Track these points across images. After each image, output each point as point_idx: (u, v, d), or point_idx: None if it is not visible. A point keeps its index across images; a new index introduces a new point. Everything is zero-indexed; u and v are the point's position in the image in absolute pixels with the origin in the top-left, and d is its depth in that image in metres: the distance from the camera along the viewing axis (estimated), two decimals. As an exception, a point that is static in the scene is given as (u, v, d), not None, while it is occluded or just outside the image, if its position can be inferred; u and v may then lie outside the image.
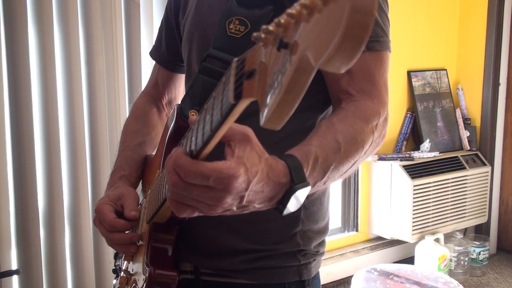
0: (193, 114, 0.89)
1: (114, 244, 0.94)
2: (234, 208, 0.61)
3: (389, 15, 0.93)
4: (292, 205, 0.64)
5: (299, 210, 0.95)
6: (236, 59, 0.49)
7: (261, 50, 0.43)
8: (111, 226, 0.91)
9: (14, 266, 2.03)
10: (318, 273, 1.01)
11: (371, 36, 0.85)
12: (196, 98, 0.90)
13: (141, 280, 0.92)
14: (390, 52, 0.90)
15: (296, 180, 0.63)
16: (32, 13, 1.98)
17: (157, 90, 1.22)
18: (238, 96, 0.46)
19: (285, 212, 0.64)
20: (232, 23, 0.89)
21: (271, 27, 0.40)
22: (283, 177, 0.62)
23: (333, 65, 0.35)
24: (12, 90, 1.96)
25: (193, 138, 0.59)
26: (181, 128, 0.91)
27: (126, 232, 0.95)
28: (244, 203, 0.60)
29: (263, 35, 0.41)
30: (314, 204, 0.98)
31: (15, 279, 2.03)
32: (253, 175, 0.58)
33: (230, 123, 0.51)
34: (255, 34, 0.42)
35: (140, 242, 0.99)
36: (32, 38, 1.99)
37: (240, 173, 0.56)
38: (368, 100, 0.84)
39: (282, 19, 0.39)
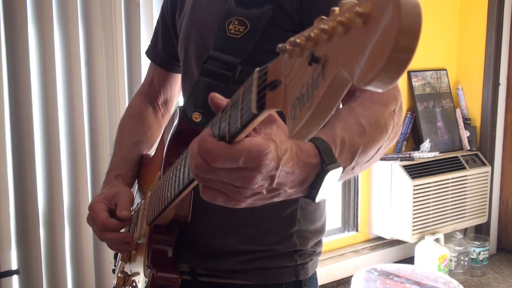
0: (196, 117, 0.88)
1: (107, 243, 0.94)
2: (264, 192, 0.56)
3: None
4: (325, 190, 0.60)
5: (295, 211, 0.95)
6: (258, 69, 0.48)
7: (286, 62, 0.42)
8: (103, 226, 0.91)
9: (14, 266, 2.04)
10: (315, 273, 1.01)
11: None
12: (199, 100, 0.90)
13: (142, 282, 0.92)
14: None
15: (327, 161, 0.60)
16: (32, 13, 1.99)
17: (152, 89, 1.22)
18: (261, 107, 0.45)
19: (318, 198, 0.60)
20: (231, 24, 0.88)
21: (298, 40, 0.39)
22: (313, 158, 0.59)
23: (373, 86, 0.34)
24: (12, 90, 1.96)
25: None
26: (184, 131, 0.91)
27: (122, 231, 0.95)
28: (274, 185, 0.56)
29: (288, 47, 0.40)
30: (310, 204, 0.98)
31: (15, 279, 2.03)
32: (283, 153, 0.54)
33: (249, 131, 0.50)
34: (280, 45, 0.41)
35: (138, 242, 0.98)
36: (32, 38, 1.99)
37: (270, 149, 0.52)
38: None
39: (313, 32, 0.38)
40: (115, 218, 0.93)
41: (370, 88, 0.35)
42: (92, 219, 0.94)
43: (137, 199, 1.10)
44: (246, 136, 0.52)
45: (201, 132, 0.55)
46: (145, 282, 0.90)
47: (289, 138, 0.44)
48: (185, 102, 0.93)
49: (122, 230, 0.96)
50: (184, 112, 0.92)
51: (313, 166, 0.59)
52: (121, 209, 0.93)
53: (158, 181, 0.93)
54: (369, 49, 0.34)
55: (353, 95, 0.83)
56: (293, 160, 0.56)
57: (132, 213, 1.10)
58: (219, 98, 0.57)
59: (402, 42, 0.33)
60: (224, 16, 0.90)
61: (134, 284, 0.97)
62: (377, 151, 0.74)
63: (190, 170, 0.56)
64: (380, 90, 0.35)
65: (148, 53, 1.22)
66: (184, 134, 0.90)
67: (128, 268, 1.03)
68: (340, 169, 0.61)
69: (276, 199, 0.59)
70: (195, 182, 0.69)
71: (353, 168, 0.70)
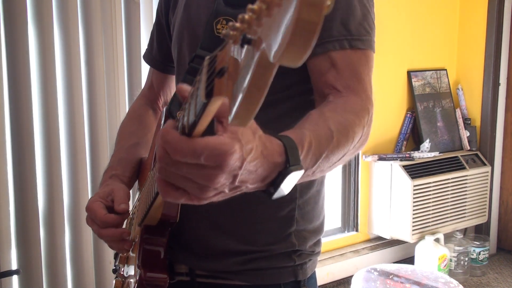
0: None
1: (107, 241, 0.94)
2: (226, 190, 0.56)
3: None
4: (283, 188, 0.60)
5: (293, 210, 0.95)
6: (208, 57, 0.48)
7: (231, 47, 0.43)
8: (103, 222, 0.91)
9: (14, 266, 2.04)
10: (314, 273, 1.01)
11: (354, 34, 0.85)
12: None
13: (133, 282, 0.92)
14: (373, 52, 0.89)
15: (291, 162, 0.59)
16: (32, 13, 1.99)
17: (152, 92, 1.22)
18: (209, 95, 0.45)
19: (276, 195, 0.60)
20: (219, 23, 0.89)
21: (237, 24, 0.39)
22: (278, 157, 0.59)
23: (286, 60, 0.35)
24: (12, 90, 1.96)
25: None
26: None
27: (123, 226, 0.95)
28: (237, 183, 0.55)
29: (231, 32, 0.40)
30: (308, 203, 0.98)
31: (15, 279, 2.03)
32: (248, 153, 0.53)
33: (206, 123, 0.50)
34: (224, 31, 0.42)
35: (133, 244, 0.99)
36: (32, 38, 1.99)
37: (235, 149, 0.51)
38: (355, 96, 0.83)
39: (246, 15, 0.38)
40: (114, 213, 0.93)
41: (283, 63, 0.36)
42: (91, 219, 0.94)
43: (135, 202, 1.11)
44: (212, 134, 0.51)
45: (165, 124, 0.55)
46: (134, 282, 0.90)
47: (230, 124, 0.44)
48: (171, 101, 0.93)
49: (123, 226, 0.96)
50: (169, 111, 0.92)
51: (276, 164, 0.59)
52: (119, 203, 0.93)
53: (147, 180, 0.94)
54: (282, 25, 0.34)
55: (326, 98, 0.84)
56: (257, 159, 0.55)
57: (130, 214, 1.10)
58: (185, 89, 0.56)
59: (305, 16, 0.33)
60: (212, 15, 0.91)
61: (128, 286, 0.97)
62: (341, 158, 0.74)
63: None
64: (292, 66, 0.36)
65: (145, 57, 1.23)
66: None
67: (125, 271, 1.04)
68: (302, 171, 0.61)
69: (237, 193, 0.59)
70: None
71: (313, 172, 0.70)
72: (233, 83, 0.42)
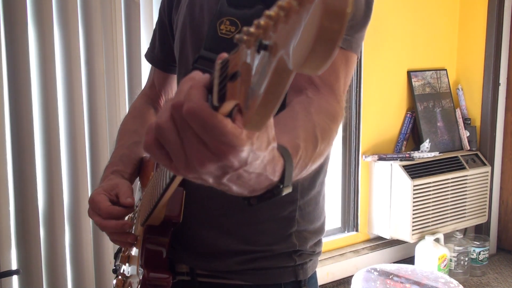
0: None
1: (110, 233, 0.93)
2: (210, 180, 0.50)
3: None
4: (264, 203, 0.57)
5: (294, 211, 0.95)
6: (220, 60, 0.47)
7: (244, 52, 0.42)
8: (107, 213, 0.90)
9: (14, 266, 2.04)
10: (315, 273, 1.01)
11: None
12: None
13: (135, 282, 0.92)
14: (355, 54, 0.87)
15: (285, 183, 0.56)
16: (32, 13, 1.99)
17: (154, 91, 1.22)
18: (221, 99, 0.44)
19: (252, 206, 0.57)
20: (223, 24, 0.89)
21: (252, 29, 0.39)
22: (276, 176, 0.55)
23: (307, 66, 0.35)
24: (12, 90, 1.96)
25: None
26: None
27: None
28: (223, 180, 0.50)
29: (245, 37, 0.40)
30: (309, 204, 0.98)
31: (15, 279, 2.03)
32: (253, 159, 0.48)
33: None
34: (237, 35, 0.41)
35: (135, 244, 0.99)
36: (32, 38, 1.99)
37: (244, 149, 0.46)
38: (331, 96, 0.81)
39: (262, 20, 0.38)
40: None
41: (306, 72, 0.35)
42: (93, 211, 0.93)
43: (137, 201, 1.11)
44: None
45: (198, 80, 0.48)
46: (137, 282, 0.90)
47: (244, 129, 0.43)
48: None
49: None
50: None
51: (270, 183, 0.55)
52: (125, 197, 0.92)
53: (151, 181, 0.94)
54: (302, 32, 0.34)
55: (302, 92, 0.81)
56: (257, 171, 0.51)
57: (132, 214, 1.10)
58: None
59: (327, 24, 0.33)
60: (216, 16, 0.90)
61: (130, 286, 0.97)
62: (314, 166, 0.70)
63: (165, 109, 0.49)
64: (314, 73, 0.36)
65: (147, 55, 1.23)
66: None
67: (126, 270, 1.04)
68: (290, 190, 0.57)
69: (212, 187, 0.54)
70: (177, 179, 0.68)
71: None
72: (246, 88, 0.41)
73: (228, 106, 0.45)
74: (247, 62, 0.42)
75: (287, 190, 0.56)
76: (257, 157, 0.49)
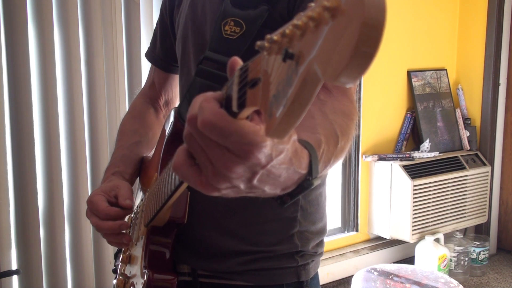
0: None
1: (106, 234, 0.93)
2: (242, 186, 0.50)
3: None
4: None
5: (296, 211, 0.95)
6: (239, 67, 0.47)
7: (265, 59, 0.42)
8: (105, 214, 0.90)
9: (14, 266, 2.04)
10: (317, 274, 1.01)
11: None
12: None
13: (139, 283, 0.92)
14: None
15: (313, 174, 0.55)
16: (32, 13, 1.99)
17: (153, 91, 1.22)
18: (241, 105, 0.44)
19: (288, 204, 0.57)
20: (227, 25, 0.88)
21: (275, 37, 0.39)
22: (303, 168, 0.54)
23: (340, 80, 0.34)
24: (12, 90, 1.96)
25: None
26: (179, 132, 0.91)
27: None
28: (254, 182, 0.50)
29: (267, 44, 0.40)
30: (311, 205, 0.98)
31: (15, 279, 2.03)
32: (277, 153, 0.48)
33: None
34: (259, 43, 0.41)
35: (137, 244, 0.98)
36: (32, 38, 1.99)
37: (266, 144, 0.46)
38: (343, 97, 0.81)
39: (287, 29, 0.38)
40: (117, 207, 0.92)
41: (338, 83, 0.35)
42: (91, 212, 0.93)
43: (139, 202, 1.10)
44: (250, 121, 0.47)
45: (209, 95, 0.49)
46: (142, 283, 0.90)
47: (266, 136, 0.43)
48: (180, 103, 0.93)
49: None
50: (179, 113, 0.91)
51: (300, 176, 0.55)
52: (124, 198, 0.92)
53: (155, 182, 0.93)
54: (336, 44, 0.34)
55: (317, 97, 0.81)
56: (284, 164, 0.51)
57: (132, 215, 1.10)
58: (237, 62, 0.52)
59: (366, 36, 0.32)
60: (220, 16, 0.90)
61: (132, 286, 0.97)
62: (338, 162, 0.71)
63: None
64: (348, 86, 0.35)
65: (147, 55, 1.22)
66: (179, 135, 0.90)
67: (127, 270, 1.03)
68: (319, 182, 0.57)
69: (250, 195, 0.54)
70: (185, 184, 0.67)
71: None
72: (268, 95, 0.41)
73: (247, 112, 0.45)
74: (268, 69, 0.41)
75: (316, 182, 0.56)
76: (280, 150, 0.49)
